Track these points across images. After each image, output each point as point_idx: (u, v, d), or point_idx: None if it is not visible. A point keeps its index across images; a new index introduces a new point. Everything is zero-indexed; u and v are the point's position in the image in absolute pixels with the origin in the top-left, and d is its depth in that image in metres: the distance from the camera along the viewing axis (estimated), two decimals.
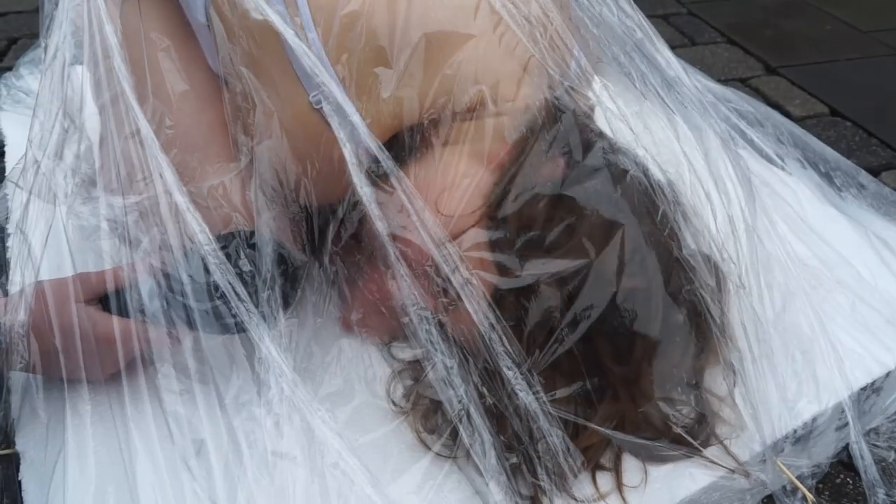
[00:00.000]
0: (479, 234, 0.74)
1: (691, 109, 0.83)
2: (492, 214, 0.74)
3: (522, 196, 0.73)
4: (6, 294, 0.76)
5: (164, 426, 0.74)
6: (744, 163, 0.85)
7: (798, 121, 1.78)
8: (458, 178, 0.75)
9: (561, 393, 0.72)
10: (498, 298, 0.72)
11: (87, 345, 0.74)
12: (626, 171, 0.74)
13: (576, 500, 0.71)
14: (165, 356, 0.77)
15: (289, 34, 0.73)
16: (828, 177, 1.14)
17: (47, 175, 0.79)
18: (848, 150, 1.68)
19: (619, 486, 0.74)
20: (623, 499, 0.73)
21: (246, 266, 0.75)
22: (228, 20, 0.76)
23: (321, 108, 0.74)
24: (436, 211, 0.74)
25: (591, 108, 0.78)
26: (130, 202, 0.77)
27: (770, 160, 1.10)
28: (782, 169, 1.12)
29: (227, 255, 0.75)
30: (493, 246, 0.73)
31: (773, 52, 2.15)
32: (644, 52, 0.82)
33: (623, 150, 0.75)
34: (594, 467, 0.74)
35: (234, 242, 0.76)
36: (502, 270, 0.73)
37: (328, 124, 0.75)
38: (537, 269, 0.72)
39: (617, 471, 0.75)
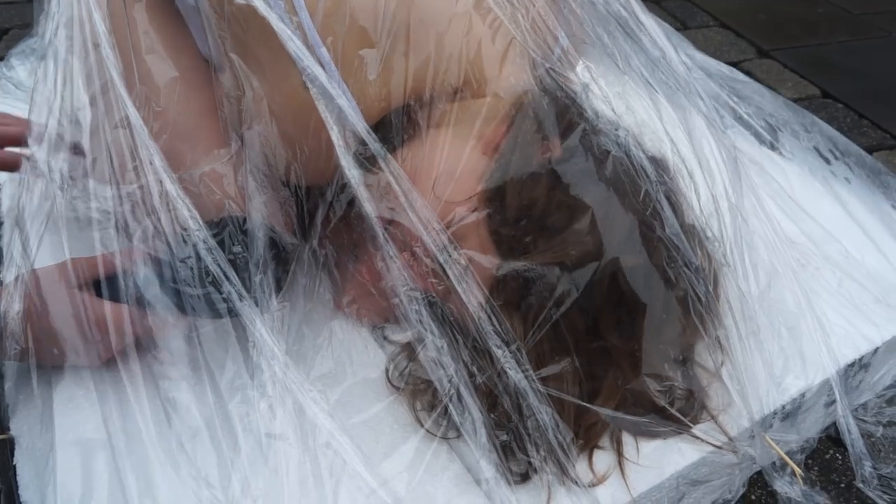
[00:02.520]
0: (478, 217, 0.74)
1: (676, 89, 0.83)
2: (490, 197, 0.75)
3: (521, 178, 0.74)
4: (1, 284, 0.77)
5: (159, 411, 0.75)
6: (729, 141, 0.85)
7: None
8: (448, 160, 0.76)
9: (551, 370, 0.73)
10: (496, 279, 0.73)
11: (81, 331, 0.75)
12: (607, 153, 0.74)
13: (567, 476, 0.72)
14: (160, 342, 0.77)
15: (272, 18, 0.73)
16: (821, 147, 1.15)
17: (42, 165, 0.80)
18: (839, 132, 1.69)
19: (620, 459, 0.74)
20: (623, 473, 0.73)
21: (239, 251, 0.76)
22: (215, 5, 0.77)
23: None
24: (432, 195, 0.75)
25: (574, 90, 0.78)
26: (123, 191, 0.78)
27: (760, 136, 1.11)
28: (772, 146, 1.12)
29: (221, 242, 0.75)
30: (493, 227, 0.74)
31: (765, 36, 2.16)
32: (628, 31, 0.82)
33: (605, 131, 0.76)
34: (592, 447, 0.75)
35: (228, 229, 0.77)
36: (502, 252, 0.74)
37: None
38: (537, 250, 0.72)
39: (618, 447, 0.75)
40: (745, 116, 1.06)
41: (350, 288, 0.85)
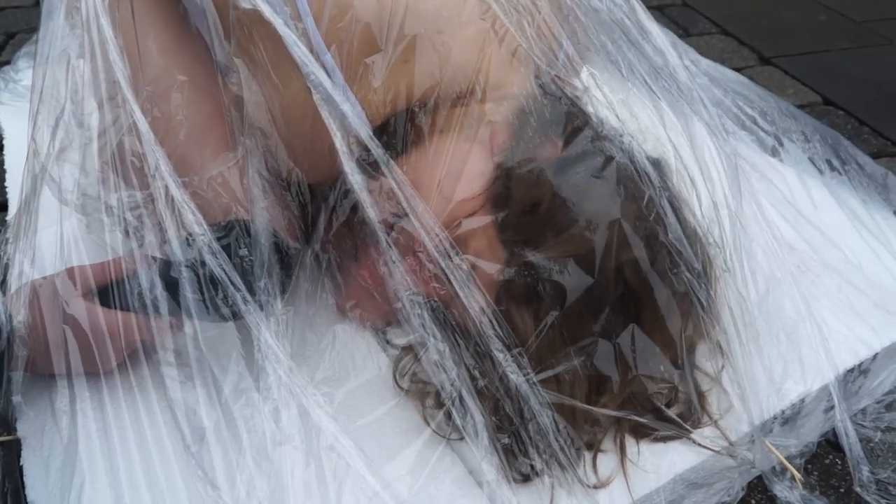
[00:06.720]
0: (484, 218, 0.75)
1: (679, 97, 0.84)
2: (496, 195, 0.75)
3: (526, 177, 0.75)
4: (5, 293, 0.77)
5: (166, 413, 0.76)
6: (730, 148, 0.86)
7: None
8: (453, 162, 0.76)
9: (554, 371, 0.73)
10: (504, 281, 0.74)
11: (85, 338, 0.75)
12: (611, 158, 0.75)
13: (568, 478, 0.72)
14: (165, 346, 0.78)
15: (278, 23, 0.74)
16: (833, 149, 1.15)
17: (51, 170, 0.81)
18: None
19: (623, 459, 0.75)
20: (625, 475, 0.74)
21: (245, 255, 0.77)
22: (221, 9, 0.77)
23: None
24: (437, 196, 0.75)
25: (578, 97, 0.79)
26: (130, 195, 0.79)
27: (763, 142, 1.11)
28: (774, 152, 1.12)
29: (227, 246, 0.76)
30: (501, 226, 0.75)
31: (767, 43, 2.16)
32: (632, 39, 0.83)
33: (609, 137, 0.76)
34: (595, 450, 0.76)
35: (234, 232, 0.77)
36: (510, 250, 0.74)
37: None
38: (546, 245, 0.73)
39: (622, 449, 0.76)
40: (749, 123, 1.06)
41: (353, 292, 0.86)
